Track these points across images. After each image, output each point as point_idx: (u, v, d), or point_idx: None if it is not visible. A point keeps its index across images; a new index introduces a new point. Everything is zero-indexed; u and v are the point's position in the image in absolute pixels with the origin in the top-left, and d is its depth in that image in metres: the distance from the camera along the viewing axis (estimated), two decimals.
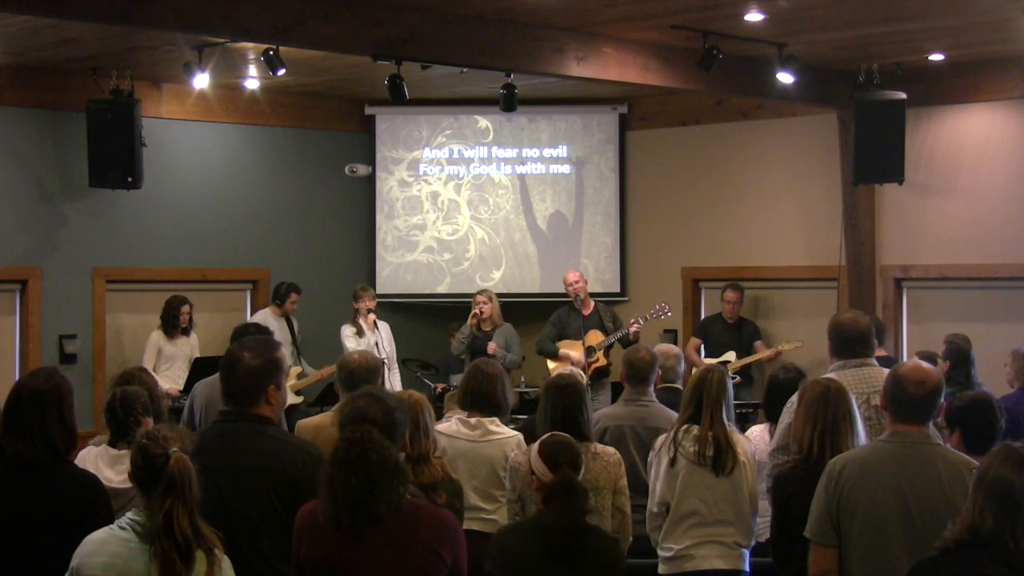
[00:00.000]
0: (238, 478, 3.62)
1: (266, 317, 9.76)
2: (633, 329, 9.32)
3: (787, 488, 4.41)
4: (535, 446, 4.31)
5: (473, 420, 5.27)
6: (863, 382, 4.96)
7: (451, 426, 5.30)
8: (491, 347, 9.44)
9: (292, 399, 9.41)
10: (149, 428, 3.49)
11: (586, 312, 9.55)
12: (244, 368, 3.79)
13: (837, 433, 4.36)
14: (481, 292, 9.76)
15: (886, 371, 5.07)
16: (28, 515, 3.72)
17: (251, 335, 6.50)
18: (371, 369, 5.09)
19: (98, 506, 3.79)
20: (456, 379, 9.78)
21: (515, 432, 5.37)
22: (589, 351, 9.33)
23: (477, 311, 9.54)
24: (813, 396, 4.45)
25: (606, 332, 9.50)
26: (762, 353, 9.78)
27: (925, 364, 4.08)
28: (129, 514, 3.21)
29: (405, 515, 3.30)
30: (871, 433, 4.62)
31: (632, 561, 5.05)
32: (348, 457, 3.25)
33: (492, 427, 5.28)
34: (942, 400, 3.98)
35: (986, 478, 3.17)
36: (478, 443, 5.24)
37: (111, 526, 3.24)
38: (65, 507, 3.73)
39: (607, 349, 9.44)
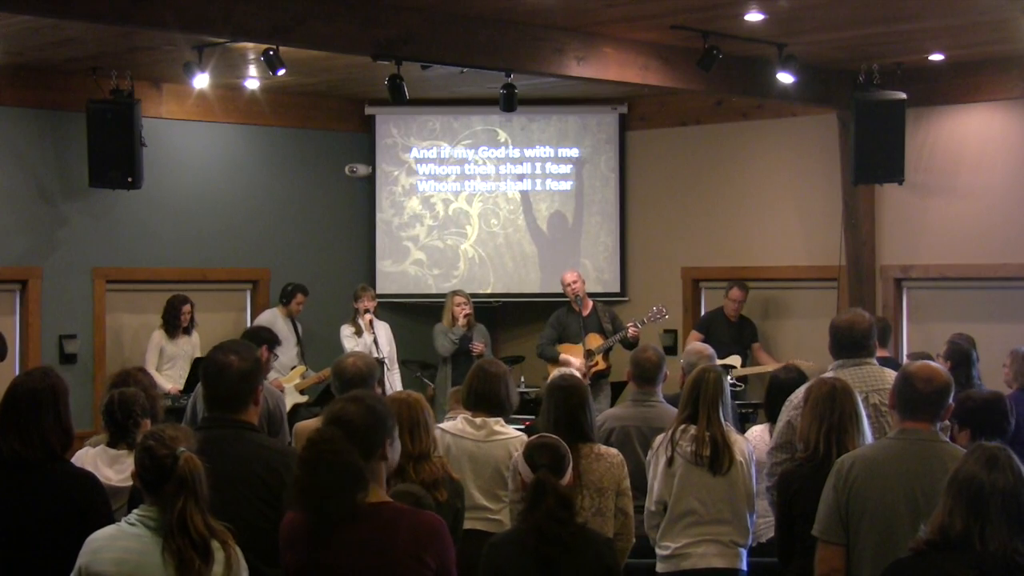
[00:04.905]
0: (226, 486, 3.57)
1: (274, 317, 9.77)
2: (631, 332, 9.34)
3: (791, 485, 4.44)
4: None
5: (479, 420, 5.26)
6: (862, 381, 4.97)
7: (456, 425, 5.30)
8: (478, 347, 9.56)
9: (297, 398, 9.45)
10: (151, 429, 3.47)
11: (585, 312, 9.59)
12: (236, 372, 3.77)
13: (843, 432, 4.38)
14: (458, 293, 9.93)
15: (886, 370, 5.12)
16: (27, 514, 3.72)
17: (263, 338, 6.54)
18: (365, 373, 5.05)
19: (97, 504, 3.79)
20: (440, 378, 9.85)
21: (519, 432, 5.37)
22: (588, 354, 9.35)
23: (467, 312, 9.68)
24: (820, 395, 4.47)
25: (604, 333, 9.52)
26: (770, 365, 9.74)
27: (934, 363, 4.09)
28: (137, 510, 3.20)
29: (385, 519, 3.25)
30: (871, 432, 4.62)
31: (632, 561, 5.06)
32: (306, 457, 3.24)
33: (497, 427, 5.28)
34: (951, 400, 3.97)
35: (957, 477, 3.14)
36: (483, 443, 5.24)
37: (119, 523, 3.23)
38: (64, 505, 3.73)
39: (606, 352, 9.47)
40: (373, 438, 3.31)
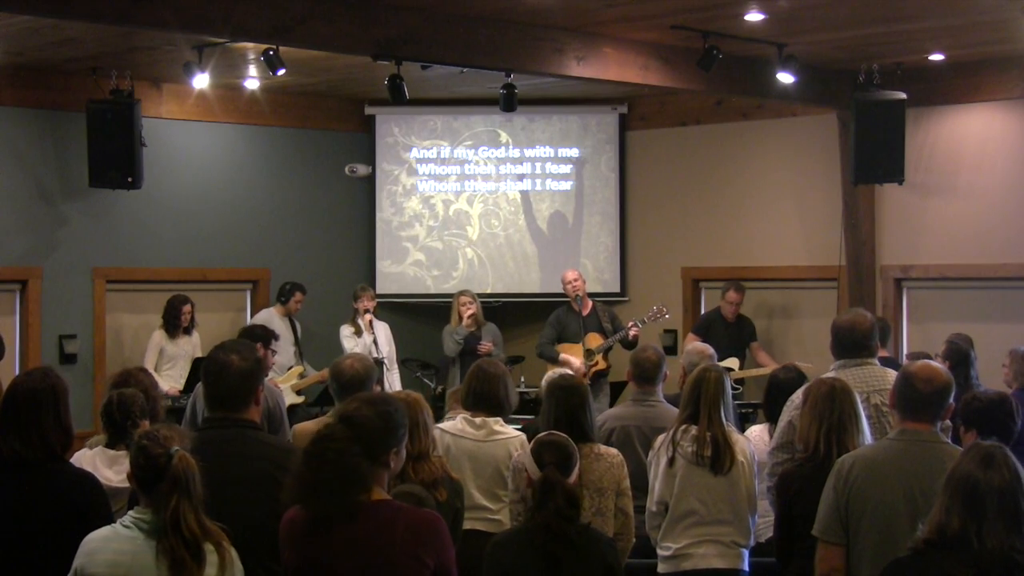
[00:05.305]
0: (233, 486, 3.59)
1: (271, 316, 9.76)
2: (632, 333, 9.34)
3: (791, 485, 4.44)
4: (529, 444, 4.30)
5: (478, 420, 5.27)
6: (863, 381, 4.98)
7: (456, 424, 5.31)
8: (485, 346, 9.56)
9: (294, 399, 9.44)
10: (146, 429, 3.47)
11: (584, 312, 9.59)
12: (236, 371, 3.77)
13: (843, 432, 4.39)
14: (463, 293, 9.91)
15: (887, 370, 5.12)
16: (27, 515, 3.71)
17: (258, 335, 6.54)
18: (362, 375, 5.03)
19: (97, 505, 3.79)
20: (450, 378, 9.84)
21: (519, 432, 5.38)
22: (588, 354, 9.35)
23: (472, 312, 9.66)
24: (819, 395, 4.48)
25: (604, 332, 9.52)
26: (769, 367, 9.72)
27: (935, 363, 4.08)
28: (132, 512, 3.21)
29: (383, 518, 3.25)
30: (872, 432, 4.62)
31: (633, 561, 5.06)
32: (310, 451, 3.24)
33: (497, 427, 5.29)
34: (951, 400, 3.97)
35: (953, 476, 3.14)
36: (483, 443, 5.24)
37: (114, 524, 3.24)
38: (64, 507, 3.72)
39: (606, 352, 9.47)
40: (379, 445, 3.30)
